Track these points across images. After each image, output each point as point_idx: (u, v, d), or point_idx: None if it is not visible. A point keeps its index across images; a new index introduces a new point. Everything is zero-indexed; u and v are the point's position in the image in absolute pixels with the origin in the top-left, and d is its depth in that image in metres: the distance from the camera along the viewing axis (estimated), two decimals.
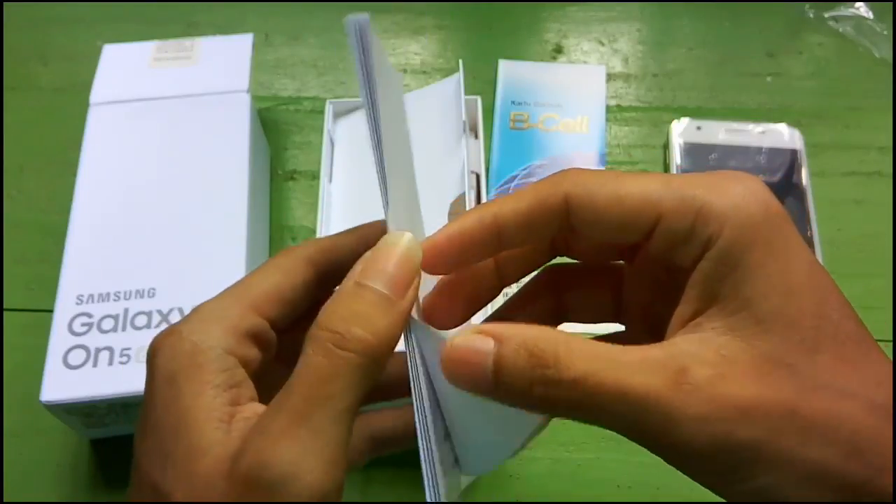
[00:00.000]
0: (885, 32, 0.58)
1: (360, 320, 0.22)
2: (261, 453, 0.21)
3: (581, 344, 0.21)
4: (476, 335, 0.22)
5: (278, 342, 0.27)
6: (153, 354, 0.24)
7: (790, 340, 0.21)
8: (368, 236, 0.28)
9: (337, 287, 0.24)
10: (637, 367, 0.21)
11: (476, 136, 0.50)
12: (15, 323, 0.46)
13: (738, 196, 0.21)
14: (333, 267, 0.28)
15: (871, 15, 0.59)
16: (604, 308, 0.28)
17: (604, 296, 0.28)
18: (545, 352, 0.21)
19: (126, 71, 0.48)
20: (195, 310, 0.25)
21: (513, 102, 0.55)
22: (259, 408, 0.23)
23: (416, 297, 0.23)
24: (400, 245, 0.23)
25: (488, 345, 0.21)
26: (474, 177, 0.47)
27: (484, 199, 0.46)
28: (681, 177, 0.23)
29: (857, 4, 0.59)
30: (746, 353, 0.21)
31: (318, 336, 0.22)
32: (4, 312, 0.46)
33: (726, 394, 0.20)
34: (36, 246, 0.48)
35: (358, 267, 0.23)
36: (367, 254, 0.23)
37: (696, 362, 0.21)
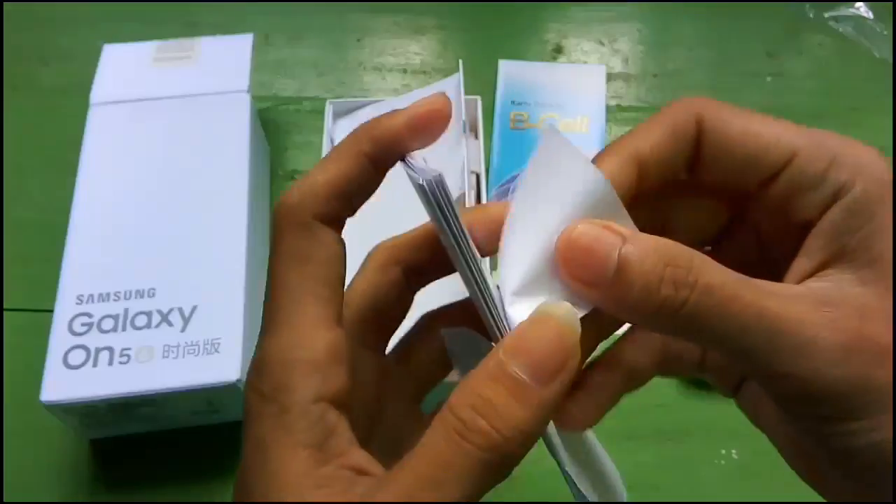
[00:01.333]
0: (885, 32, 0.58)
1: (490, 411, 0.19)
2: None
3: (714, 262, 0.20)
4: (601, 227, 0.20)
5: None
6: (245, 418, 0.21)
7: None
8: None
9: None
10: (777, 290, 0.20)
11: (476, 137, 0.50)
12: (15, 323, 0.46)
13: (870, 153, 0.21)
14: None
15: (871, 15, 0.59)
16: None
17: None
18: (678, 256, 0.19)
19: (126, 71, 0.48)
20: (266, 353, 0.21)
21: (513, 102, 0.55)
22: (356, 454, 0.21)
23: (567, 385, 0.20)
24: (553, 320, 0.20)
25: (615, 238, 0.20)
26: (474, 177, 0.47)
27: (484, 200, 0.46)
28: (812, 128, 0.22)
29: (857, 4, 0.59)
30: (883, 305, 0.20)
31: (444, 416, 0.19)
32: (4, 312, 0.46)
33: (870, 332, 0.19)
34: (36, 246, 0.48)
35: (507, 340, 0.20)
36: (522, 324, 0.20)
37: (837, 300, 0.20)
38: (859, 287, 0.20)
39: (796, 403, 0.20)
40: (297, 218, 0.22)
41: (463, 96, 0.45)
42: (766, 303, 0.19)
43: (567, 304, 0.20)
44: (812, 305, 0.19)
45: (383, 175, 0.23)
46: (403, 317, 0.25)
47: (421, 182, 0.20)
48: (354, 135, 0.23)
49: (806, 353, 0.19)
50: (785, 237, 0.22)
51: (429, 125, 0.22)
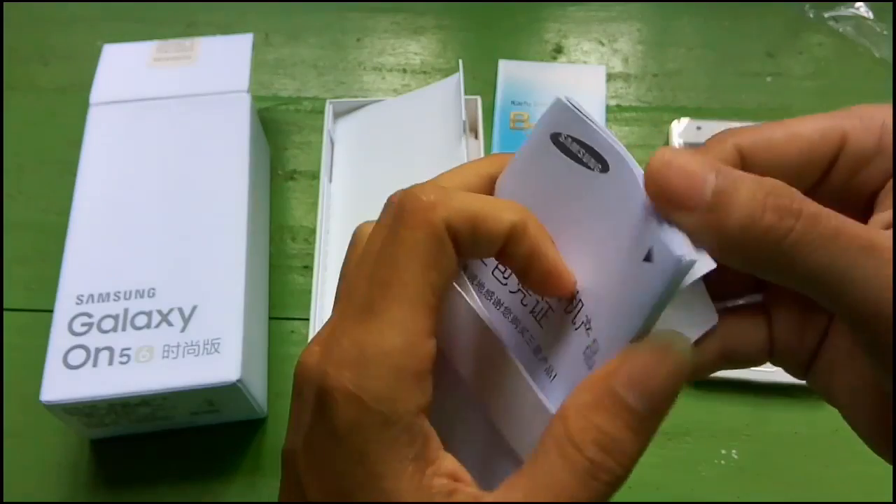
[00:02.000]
0: (885, 32, 0.58)
1: (615, 448, 0.19)
2: None
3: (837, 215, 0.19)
4: (692, 154, 0.19)
5: None
6: (332, 418, 0.20)
7: None
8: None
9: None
10: (878, 229, 0.19)
11: (476, 137, 0.50)
12: (15, 323, 0.46)
13: None
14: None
15: (871, 15, 0.59)
16: None
17: None
18: (778, 185, 0.19)
19: (126, 71, 0.48)
20: (361, 350, 0.20)
21: (513, 102, 0.55)
22: (448, 460, 0.20)
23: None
24: (673, 353, 0.19)
25: (711, 161, 0.19)
26: None
27: None
28: (844, 108, 0.22)
29: (857, 4, 0.59)
30: None
31: (566, 450, 0.19)
32: (4, 312, 0.46)
33: None
34: (36, 246, 0.48)
35: (624, 368, 0.19)
36: (637, 354, 0.19)
37: None
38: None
39: (883, 349, 0.19)
40: (431, 218, 0.20)
41: (463, 96, 0.45)
42: (879, 236, 0.18)
43: (682, 335, 0.19)
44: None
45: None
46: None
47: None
48: (486, 158, 0.23)
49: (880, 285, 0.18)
50: (851, 209, 0.21)
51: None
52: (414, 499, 0.19)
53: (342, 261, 0.26)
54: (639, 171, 0.20)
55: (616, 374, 0.19)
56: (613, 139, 0.21)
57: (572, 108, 0.21)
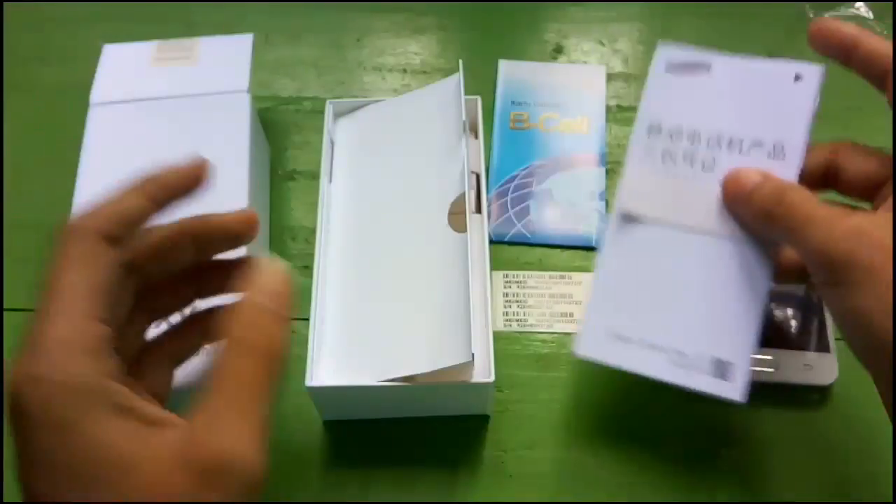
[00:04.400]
0: (885, 32, 0.58)
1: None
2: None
3: (803, 193, 0.33)
4: (753, 171, 0.35)
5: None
6: (19, 405, 0.24)
7: None
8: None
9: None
10: (826, 208, 0.32)
11: (476, 136, 0.50)
12: (15, 323, 0.46)
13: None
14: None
15: (871, 15, 0.59)
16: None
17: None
18: (780, 188, 0.34)
19: (126, 71, 0.48)
20: (35, 343, 0.25)
21: (513, 103, 0.55)
22: (152, 409, 0.26)
23: None
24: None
25: (757, 175, 0.34)
26: (474, 177, 0.47)
27: (484, 200, 0.46)
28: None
29: (857, 4, 0.59)
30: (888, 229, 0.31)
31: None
32: (5, 312, 0.46)
33: (868, 228, 0.31)
34: (36, 246, 0.48)
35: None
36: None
37: (866, 215, 0.32)
38: (886, 213, 0.31)
39: (812, 273, 0.32)
40: (83, 232, 0.27)
41: (463, 96, 0.45)
42: (816, 211, 0.32)
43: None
44: (842, 215, 0.31)
45: (162, 209, 0.31)
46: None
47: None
48: (140, 179, 0.30)
49: (821, 236, 0.31)
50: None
51: (193, 182, 0.32)
52: (124, 440, 0.24)
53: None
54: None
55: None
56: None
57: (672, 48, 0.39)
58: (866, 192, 0.35)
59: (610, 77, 0.57)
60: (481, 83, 0.56)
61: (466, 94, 0.45)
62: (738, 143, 0.36)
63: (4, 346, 0.45)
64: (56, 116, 0.54)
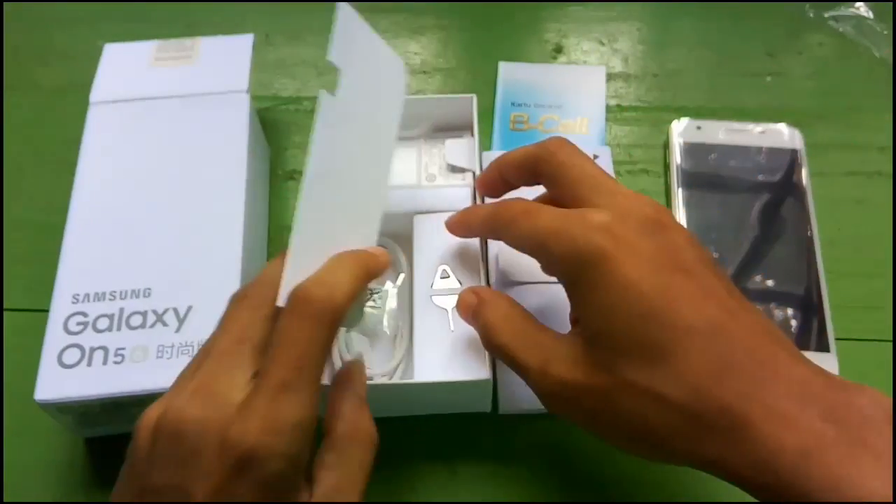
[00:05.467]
0: (885, 32, 0.58)
1: None
2: None
3: (514, 319, 0.34)
4: (469, 293, 0.36)
5: None
6: (260, 471, 0.27)
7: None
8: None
9: None
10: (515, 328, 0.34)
11: (472, 134, 0.50)
12: (15, 323, 0.46)
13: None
14: None
15: (871, 15, 0.59)
16: None
17: None
18: (486, 310, 0.35)
19: (126, 70, 0.48)
20: (284, 423, 0.27)
21: (513, 104, 0.55)
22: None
23: None
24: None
25: (473, 298, 0.36)
26: (471, 175, 0.47)
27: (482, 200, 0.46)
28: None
29: (857, 4, 0.59)
30: (570, 351, 0.32)
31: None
32: (4, 312, 0.46)
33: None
34: (36, 246, 0.48)
35: None
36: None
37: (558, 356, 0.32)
38: (572, 336, 0.32)
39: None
40: (328, 310, 0.29)
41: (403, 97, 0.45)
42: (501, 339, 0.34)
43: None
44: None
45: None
46: None
47: None
48: (354, 256, 0.33)
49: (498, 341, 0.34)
50: None
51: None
52: None
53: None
54: None
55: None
56: None
57: None
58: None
59: (610, 77, 0.57)
60: (481, 83, 0.56)
61: (466, 92, 0.45)
62: None
63: (4, 346, 0.45)
64: (56, 116, 0.54)
